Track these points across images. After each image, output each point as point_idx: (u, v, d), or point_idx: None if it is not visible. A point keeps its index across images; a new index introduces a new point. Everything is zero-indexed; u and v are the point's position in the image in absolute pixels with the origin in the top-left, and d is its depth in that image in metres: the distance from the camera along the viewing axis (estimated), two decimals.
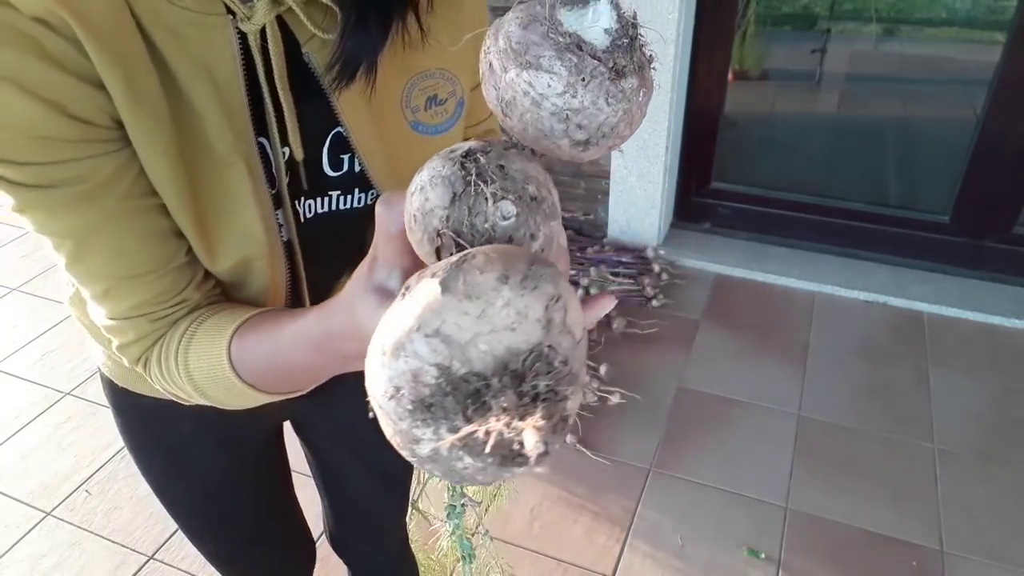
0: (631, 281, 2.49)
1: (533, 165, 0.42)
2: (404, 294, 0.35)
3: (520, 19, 0.40)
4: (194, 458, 0.92)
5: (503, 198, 0.39)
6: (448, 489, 1.09)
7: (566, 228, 2.77)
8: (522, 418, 0.31)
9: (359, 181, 0.70)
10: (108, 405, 0.91)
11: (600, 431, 1.98)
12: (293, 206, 0.67)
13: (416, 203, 0.41)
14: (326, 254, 0.71)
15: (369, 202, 0.71)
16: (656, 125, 2.44)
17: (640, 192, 2.60)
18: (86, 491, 1.89)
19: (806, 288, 2.51)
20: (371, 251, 0.48)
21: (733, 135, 2.66)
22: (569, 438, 1.94)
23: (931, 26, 2.43)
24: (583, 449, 1.92)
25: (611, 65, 0.40)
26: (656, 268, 2.54)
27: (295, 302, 0.73)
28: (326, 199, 0.70)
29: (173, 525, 1.76)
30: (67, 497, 1.88)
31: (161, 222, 0.60)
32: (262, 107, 0.62)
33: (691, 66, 2.47)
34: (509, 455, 0.31)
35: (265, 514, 1.02)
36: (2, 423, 2.12)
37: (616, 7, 0.41)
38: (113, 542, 1.76)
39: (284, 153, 0.65)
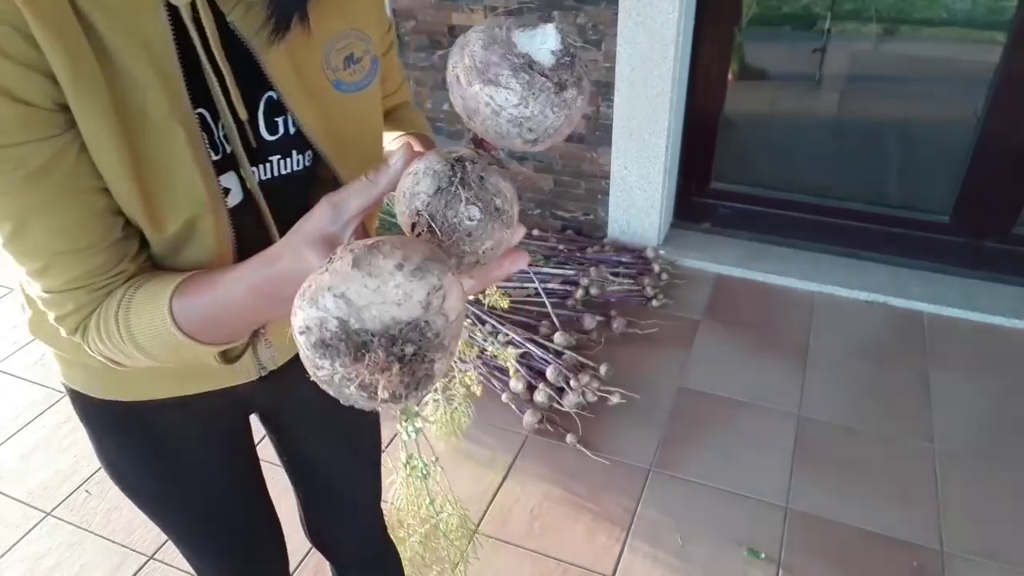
0: (631, 281, 2.49)
1: (506, 183, 0.52)
2: (331, 259, 0.45)
3: (482, 40, 0.49)
4: (172, 453, 0.94)
5: (474, 204, 0.50)
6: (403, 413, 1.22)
7: (566, 228, 2.79)
8: (384, 371, 0.43)
9: (296, 143, 0.74)
10: (82, 424, 0.92)
11: (600, 431, 1.98)
12: (238, 173, 0.71)
13: (408, 184, 0.52)
14: (275, 216, 0.75)
15: (307, 163, 0.76)
16: (656, 125, 2.44)
17: (640, 192, 2.60)
18: (86, 491, 1.89)
19: (806, 288, 2.51)
20: (328, 205, 0.55)
21: (733, 135, 2.66)
22: (569, 438, 1.94)
23: (931, 26, 2.43)
24: (583, 449, 1.92)
25: (556, 80, 0.50)
26: (656, 268, 2.54)
27: None
28: (268, 165, 0.74)
29: None
30: (67, 497, 1.88)
31: (100, 201, 0.62)
32: (199, 77, 0.65)
33: (691, 66, 2.47)
34: (372, 395, 0.43)
35: (251, 508, 1.05)
36: (2, 423, 2.12)
37: (560, 31, 0.51)
38: (113, 542, 1.76)
39: (223, 123, 0.68)
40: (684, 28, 2.33)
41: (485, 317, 2.27)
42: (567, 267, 2.51)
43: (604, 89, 2.49)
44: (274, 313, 0.64)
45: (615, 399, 2.00)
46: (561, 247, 2.64)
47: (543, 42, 0.50)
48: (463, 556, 1.56)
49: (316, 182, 0.78)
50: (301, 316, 0.44)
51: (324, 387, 0.45)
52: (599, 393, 2.02)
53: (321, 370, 0.44)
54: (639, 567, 1.65)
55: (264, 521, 1.08)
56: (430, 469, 1.47)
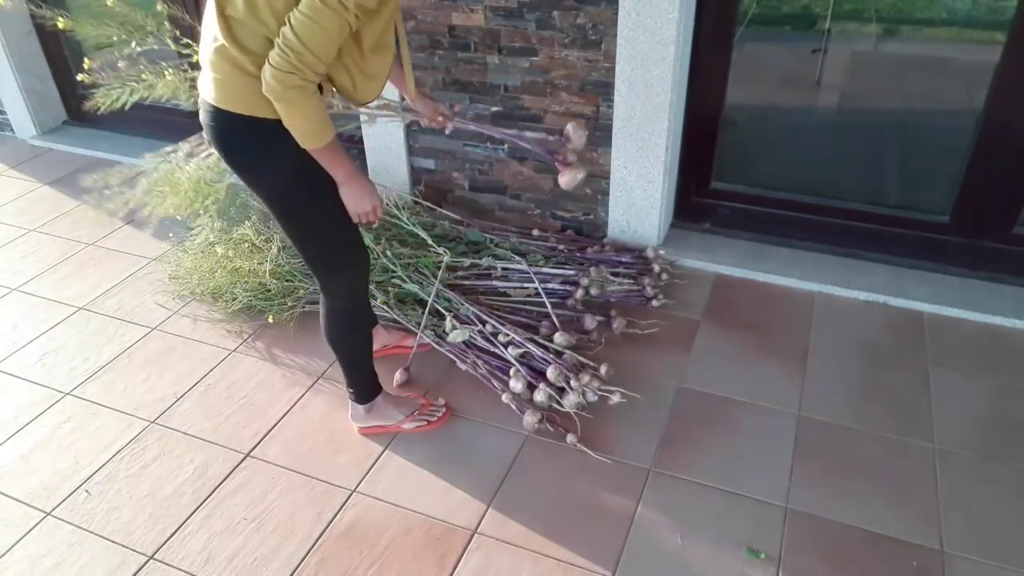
0: (631, 281, 2.48)
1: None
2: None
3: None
4: (305, 162, 1.54)
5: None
6: None
7: (566, 228, 2.79)
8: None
9: None
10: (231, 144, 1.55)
11: (600, 431, 1.98)
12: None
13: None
14: None
15: None
16: (656, 125, 2.44)
17: (640, 192, 2.60)
18: (86, 491, 1.89)
19: (806, 288, 2.51)
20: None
21: (733, 135, 2.66)
22: (569, 438, 1.94)
23: (931, 26, 2.43)
24: (583, 449, 1.92)
25: None
26: (656, 268, 2.54)
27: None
28: None
29: (173, 525, 1.77)
30: (67, 497, 1.88)
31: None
32: None
33: (691, 66, 2.47)
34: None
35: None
36: (2, 423, 2.12)
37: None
38: (113, 542, 1.76)
39: None
40: (684, 28, 2.33)
41: (486, 317, 2.27)
42: (567, 267, 2.50)
43: (604, 89, 2.49)
44: (331, 168, 1.57)
45: (615, 399, 2.00)
46: (561, 247, 2.64)
47: None
48: None
49: None
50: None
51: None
52: (599, 393, 2.02)
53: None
54: (639, 567, 1.65)
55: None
56: None
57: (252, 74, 1.42)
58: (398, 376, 2.18)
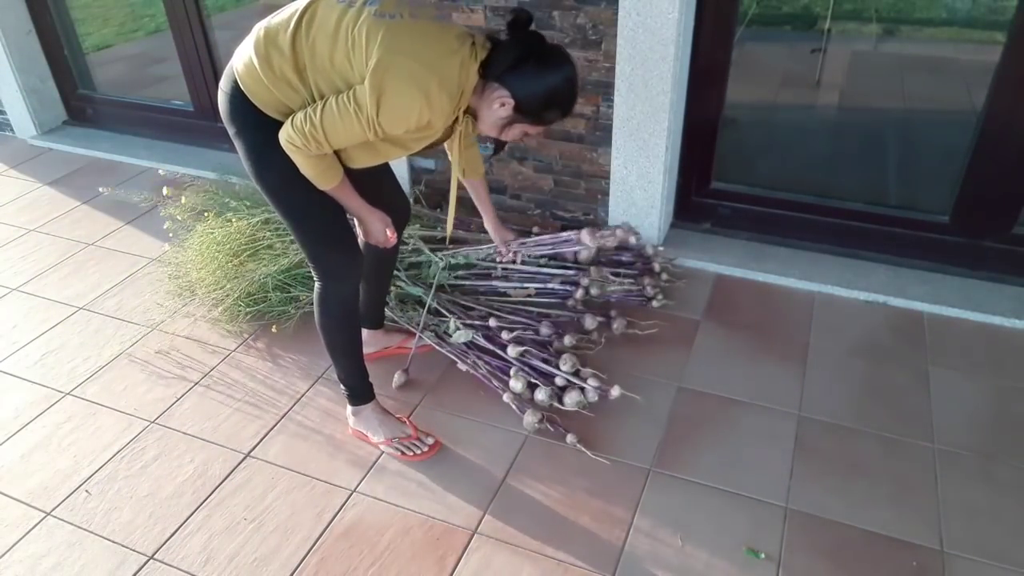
0: (631, 281, 2.48)
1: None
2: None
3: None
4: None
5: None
6: None
7: (566, 228, 2.79)
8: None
9: None
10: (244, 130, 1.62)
11: (600, 431, 1.98)
12: None
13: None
14: None
15: None
16: (656, 125, 2.44)
17: (640, 192, 2.60)
18: (86, 491, 1.89)
19: (806, 288, 2.51)
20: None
21: (733, 135, 2.66)
22: (569, 438, 1.94)
23: (931, 26, 2.43)
24: (583, 449, 1.92)
25: None
26: (656, 268, 2.54)
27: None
28: None
29: (173, 525, 1.77)
30: (67, 497, 1.88)
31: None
32: None
33: (691, 66, 2.47)
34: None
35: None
36: (2, 423, 2.12)
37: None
38: (113, 542, 1.76)
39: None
40: (684, 28, 2.33)
41: (487, 312, 2.27)
42: (567, 267, 2.50)
43: (604, 89, 2.49)
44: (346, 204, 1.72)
45: (615, 391, 1.99)
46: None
47: None
48: None
49: None
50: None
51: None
52: (600, 392, 2.02)
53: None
54: (639, 567, 1.65)
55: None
56: None
57: (280, 81, 1.52)
58: (397, 378, 2.17)
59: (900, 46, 2.49)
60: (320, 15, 1.49)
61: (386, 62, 1.42)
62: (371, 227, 1.79)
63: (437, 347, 2.25)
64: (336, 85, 1.49)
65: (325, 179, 1.60)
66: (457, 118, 1.61)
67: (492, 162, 2.82)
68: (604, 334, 2.30)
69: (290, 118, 1.50)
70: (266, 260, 2.45)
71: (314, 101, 1.52)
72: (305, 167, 1.56)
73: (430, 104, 1.46)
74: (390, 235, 1.82)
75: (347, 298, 1.81)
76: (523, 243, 2.39)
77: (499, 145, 1.72)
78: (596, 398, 2.02)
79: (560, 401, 2.02)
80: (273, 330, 2.38)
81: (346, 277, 1.78)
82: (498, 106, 1.56)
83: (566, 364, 2.07)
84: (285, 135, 1.51)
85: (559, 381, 2.05)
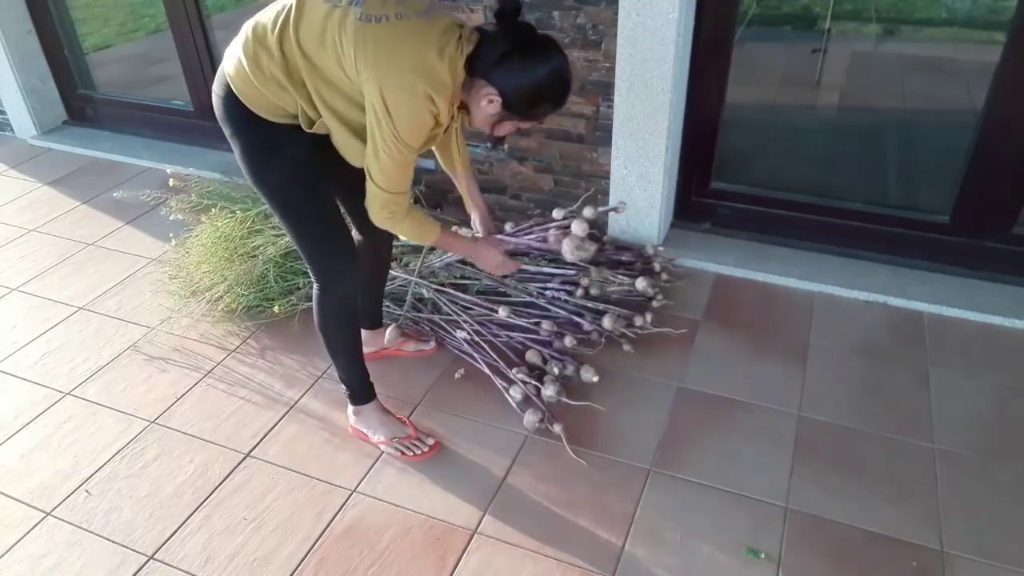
0: (631, 281, 2.48)
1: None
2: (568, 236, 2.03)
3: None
4: (304, 163, 1.64)
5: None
6: None
7: (565, 227, 2.78)
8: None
9: None
10: (237, 130, 1.60)
11: (600, 431, 1.98)
12: None
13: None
14: None
15: None
16: (656, 125, 2.44)
17: (640, 192, 2.60)
18: (86, 491, 1.89)
19: (806, 288, 2.51)
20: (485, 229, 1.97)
21: (733, 135, 2.66)
22: (557, 427, 1.94)
23: (931, 26, 2.43)
24: (583, 449, 1.92)
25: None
26: (656, 268, 2.54)
27: None
28: None
29: (173, 525, 1.77)
30: (67, 497, 1.88)
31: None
32: None
33: (691, 66, 2.47)
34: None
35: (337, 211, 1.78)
36: (2, 423, 2.12)
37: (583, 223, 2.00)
38: (113, 542, 1.76)
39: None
40: (684, 28, 2.33)
41: (487, 309, 2.27)
42: (567, 267, 2.50)
43: (604, 89, 2.49)
44: (454, 251, 2.00)
45: (615, 398, 1.99)
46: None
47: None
48: None
49: None
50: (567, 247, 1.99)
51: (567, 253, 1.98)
52: (594, 380, 2.02)
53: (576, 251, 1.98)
54: (639, 567, 1.65)
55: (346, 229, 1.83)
56: None
57: (270, 82, 1.51)
58: (390, 333, 2.23)
59: (900, 46, 2.49)
60: (307, 14, 1.47)
61: (381, 83, 1.42)
62: (489, 259, 1.88)
63: (438, 345, 2.25)
64: (333, 85, 1.50)
65: (428, 233, 1.69)
66: (453, 114, 1.62)
67: (492, 162, 2.82)
68: (604, 334, 2.30)
69: (369, 208, 1.59)
70: (270, 239, 2.46)
71: (307, 101, 1.52)
72: (409, 232, 1.66)
73: (434, 102, 1.47)
74: (510, 267, 1.92)
75: (345, 299, 1.81)
76: (520, 267, 2.27)
77: (498, 140, 1.71)
78: (596, 378, 2.01)
79: (562, 400, 2.01)
80: (276, 310, 2.38)
81: (344, 278, 1.78)
82: (486, 103, 1.54)
83: (556, 371, 2.07)
84: (382, 218, 1.60)
85: (556, 379, 2.05)
